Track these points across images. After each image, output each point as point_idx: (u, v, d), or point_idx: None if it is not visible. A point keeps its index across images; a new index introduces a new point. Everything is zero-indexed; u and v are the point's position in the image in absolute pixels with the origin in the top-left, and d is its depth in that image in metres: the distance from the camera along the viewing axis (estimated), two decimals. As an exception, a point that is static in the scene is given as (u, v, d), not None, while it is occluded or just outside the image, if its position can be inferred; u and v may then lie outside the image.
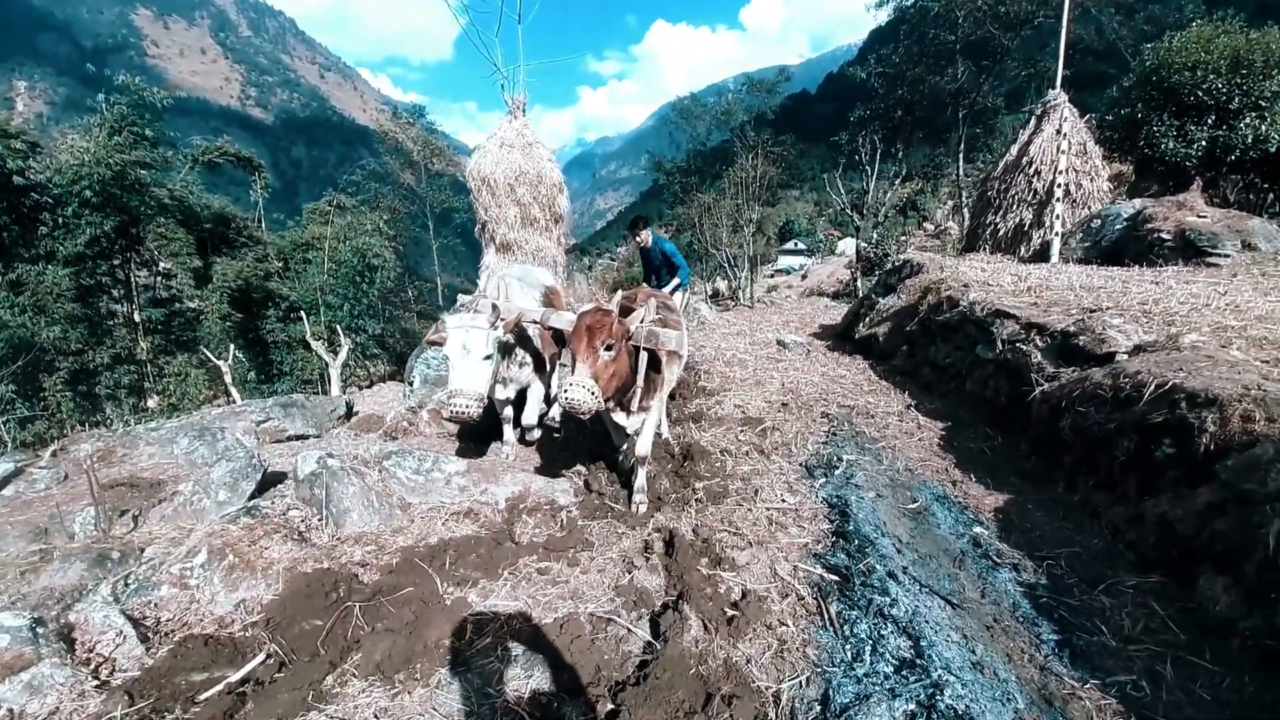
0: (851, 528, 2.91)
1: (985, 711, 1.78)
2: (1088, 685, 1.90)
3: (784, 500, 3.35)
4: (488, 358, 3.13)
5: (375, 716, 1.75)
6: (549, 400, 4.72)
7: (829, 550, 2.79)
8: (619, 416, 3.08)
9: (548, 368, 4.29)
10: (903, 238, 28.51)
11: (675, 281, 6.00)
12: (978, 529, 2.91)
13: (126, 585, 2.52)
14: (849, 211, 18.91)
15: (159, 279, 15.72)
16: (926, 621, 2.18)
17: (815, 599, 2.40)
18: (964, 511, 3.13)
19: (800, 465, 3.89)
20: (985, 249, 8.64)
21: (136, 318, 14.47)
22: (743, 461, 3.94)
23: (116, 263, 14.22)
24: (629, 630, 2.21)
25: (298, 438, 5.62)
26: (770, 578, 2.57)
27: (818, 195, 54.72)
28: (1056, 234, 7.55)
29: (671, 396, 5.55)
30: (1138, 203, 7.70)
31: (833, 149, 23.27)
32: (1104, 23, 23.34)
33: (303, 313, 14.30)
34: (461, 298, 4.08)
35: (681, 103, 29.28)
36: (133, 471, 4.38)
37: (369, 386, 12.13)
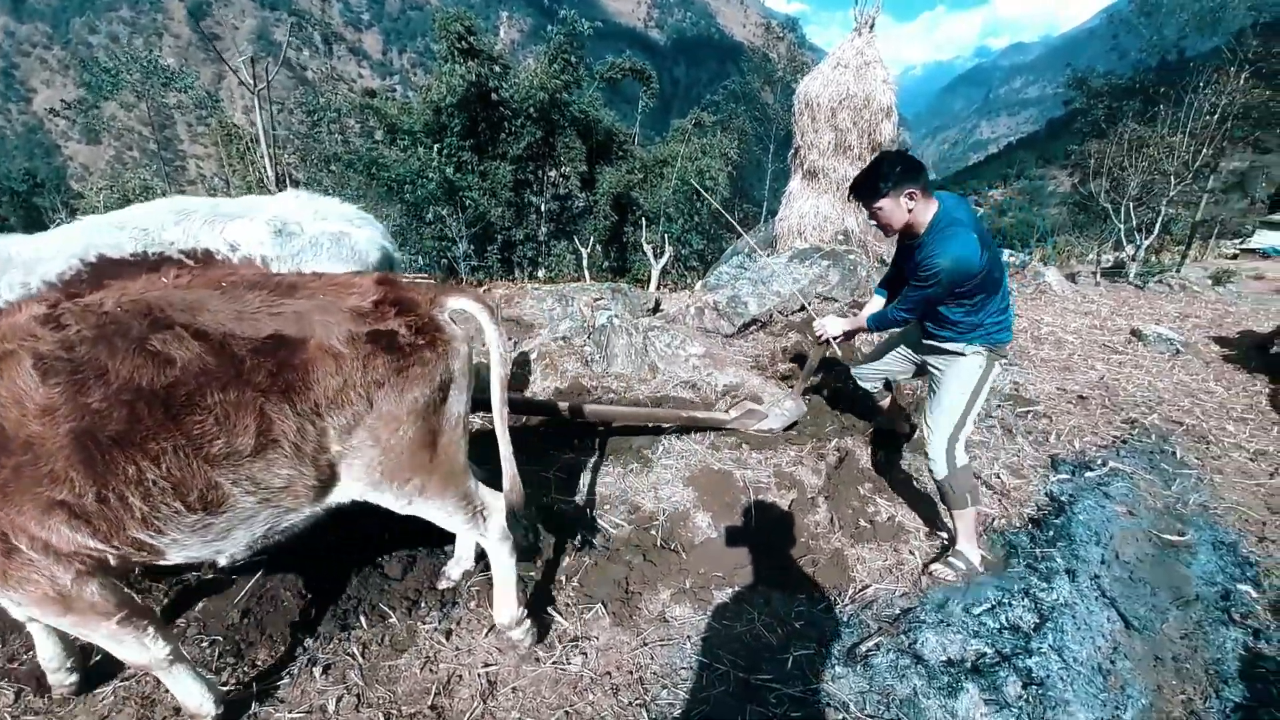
0: (1058, 521, 2.67)
1: (1073, 699, 1.75)
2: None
3: (999, 477, 3.16)
4: None
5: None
6: None
7: (1013, 530, 2.67)
8: None
9: None
10: None
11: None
12: (1245, 587, 2.30)
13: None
14: None
15: (563, 179, 20.66)
16: (1073, 618, 2.07)
17: (962, 555, 2.44)
18: (1246, 568, 2.45)
19: (1048, 456, 3.45)
20: None
21: (543, 208, 19.57)
22: (975, 431, 3.70)
23: (537, 164, 19.23)
24: (774, 501, 2.73)
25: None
26: (927, 521, 2.67)
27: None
28: None
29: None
30: None
31: None
32: None
33: (643, 220, 17.04)
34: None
35: (1152, -8, 21.36)
36: (519, 314, 6.62)
37: (677, 291, 14.13)
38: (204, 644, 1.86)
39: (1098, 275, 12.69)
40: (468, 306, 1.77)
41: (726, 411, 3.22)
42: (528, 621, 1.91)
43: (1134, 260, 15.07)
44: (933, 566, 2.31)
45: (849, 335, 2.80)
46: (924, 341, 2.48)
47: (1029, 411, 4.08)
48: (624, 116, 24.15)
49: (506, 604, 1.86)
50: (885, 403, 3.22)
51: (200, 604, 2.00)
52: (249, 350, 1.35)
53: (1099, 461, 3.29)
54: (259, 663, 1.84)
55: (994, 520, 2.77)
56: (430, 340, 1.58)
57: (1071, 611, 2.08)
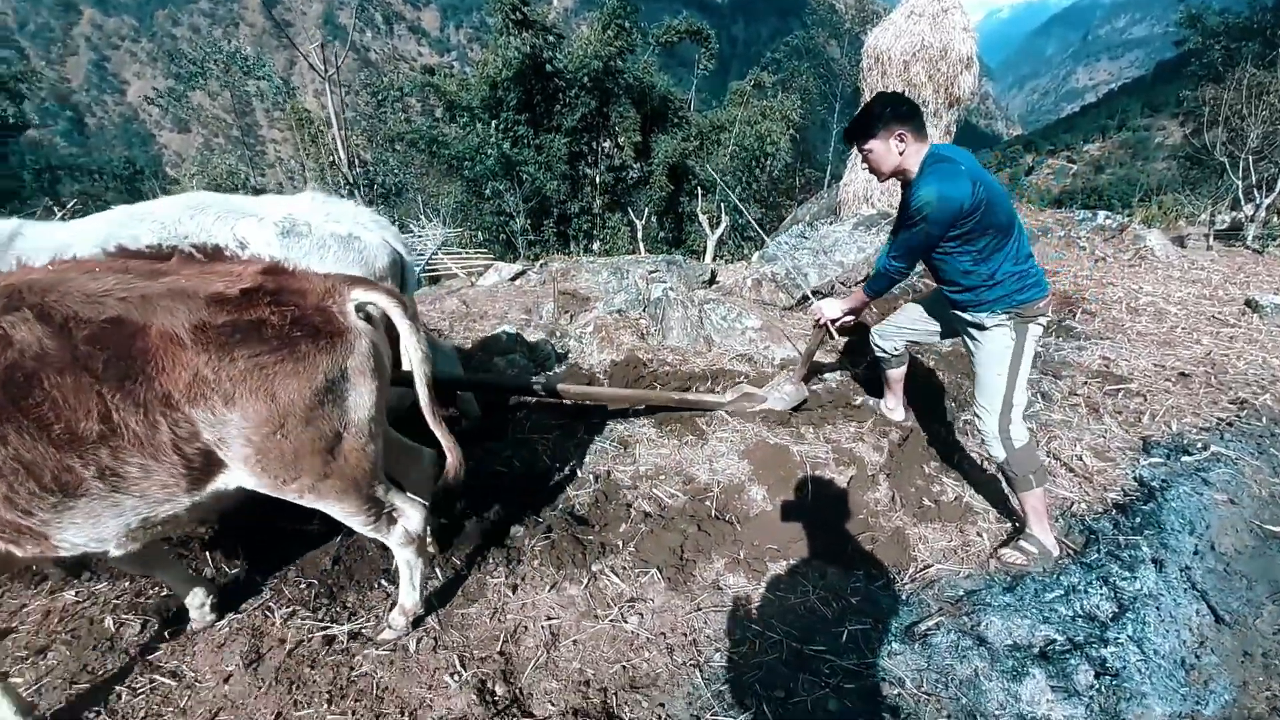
0: (1147, 508, 2.49)
1: (1150, 692, 1.67)
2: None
3: (1081, 459, 2.97)
4: None
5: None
6: None
7: (1094, 515, 2.51)
8: None
9: None
10: None
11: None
12: (1365, 584, 2.08)
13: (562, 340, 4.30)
14: None
15: (617, 150, 20.42)
16: (1157, 609, 1.95)
17: (1034, 538, 2.34)
18: (1367, 563, 2.21)
19: (1139, 438, 3.20)
20: None
21: (598, 180, 19.48)
22: (1055, 410, 3.48)
23: (591, 135, 19.08)
24: (832, 478, 2.70)
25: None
26: (997, 502, 2.56)
27: None
28: None
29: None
30: None
31: None
32: None
33: (699, 189, 16.66)
34: None
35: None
36: (575, 287, 6.73)
37: (733, 262, 13.84)
38: (302, 586, 2.08)
39: (1210, 238, 11.41)
40: (377, 300, 1.56)
41: (723, 394, 3.12)
42: (411, 621, 1.87)
43: (1252, 221, 13.50)
44: (1002, 551, 2.22)
45: (853, 313, 2.56)
46: (950, 311, 2.34)
47: (1120, 390, 3.78)
48: (680, 81, 23.35)
49: (408, 594, 1.85)
50: (897, 373, 2.95)
51: (298, 552, 2.22)
52: (86, 335, 1.27)
53: (1199, 445, 3.02)
54: (348, 604, 2.03)
55: (1073, 504, 2.62)
56: (312, 332, 1.42)
57: (1155, 602, 1.96)
